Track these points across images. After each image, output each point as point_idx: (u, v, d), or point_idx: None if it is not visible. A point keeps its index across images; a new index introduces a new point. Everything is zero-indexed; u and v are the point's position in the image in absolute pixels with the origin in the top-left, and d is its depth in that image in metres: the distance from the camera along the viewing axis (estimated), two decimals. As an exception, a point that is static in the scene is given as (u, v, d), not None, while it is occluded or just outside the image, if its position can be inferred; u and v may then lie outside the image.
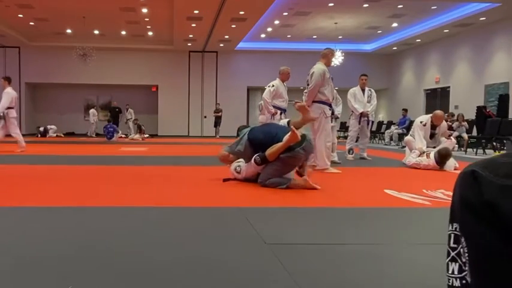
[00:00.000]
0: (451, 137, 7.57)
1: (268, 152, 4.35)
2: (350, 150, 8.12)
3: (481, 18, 13.59)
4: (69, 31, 17.37)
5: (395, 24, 15.80)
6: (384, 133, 15.79)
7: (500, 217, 0.60)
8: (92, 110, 19.95)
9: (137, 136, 17.16)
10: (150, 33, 17.78)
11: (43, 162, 7.05)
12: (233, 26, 15.43)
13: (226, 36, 17.34)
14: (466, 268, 0.66)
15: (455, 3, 13.11)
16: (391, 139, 14.69)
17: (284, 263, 2.00)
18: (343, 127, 17.27)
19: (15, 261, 2.02)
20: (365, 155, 8.17)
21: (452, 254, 0.69)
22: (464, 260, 0.66)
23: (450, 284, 0.69)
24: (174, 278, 1.83)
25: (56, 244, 2.31)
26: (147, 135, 17.94)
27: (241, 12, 13.66)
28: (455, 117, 12.52)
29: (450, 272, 0.69)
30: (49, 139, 16.28)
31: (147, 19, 15.49)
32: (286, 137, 4.36)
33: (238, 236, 2.50)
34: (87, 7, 13.93)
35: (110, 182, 4.79)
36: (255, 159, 4.41)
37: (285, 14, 14.51)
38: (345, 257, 2.14)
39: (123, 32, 17.58)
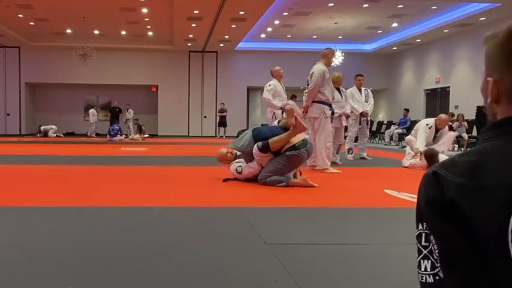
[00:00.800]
0: (452, 132, 7.56)
1: (272, 140, 4.37)
2: (349, 150, 8.12)
3: (481, 18, 13.58)
4: (69, 31, 17.36)
5: (395, 24, 15.80)
6: (384, 133, 15.79)
7: (460, 213, 0.63)
8: (91, 110, 19.93)
9: (137, 136, 17.16)
10: (150, 33, 17.77)
11: (43, 162, 7.05)
12: (233, 26, 15.43)
13: (226, 36, 17.33)
14: (438, 265, 0.68)
15: (455, 3, 13.10)
16: (391, 139, 14.69)
17: (284, 263, 2.00)
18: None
19: (15, 261, 2.02)
20: (365, 154, 8.17)
21: (424, 252, 0.71)
22: (435, 257, 0.68)
23: (423, 281, 0.71)
24: (173, 278, 1.84)
25: (55, 244, 2.31)
26: (147, 135, 17.94)
27: (241, 12, 13.65)
28: (455, 117, 12.52)
29: (423, 269, 0.71)
30: (49, 139, 16.28)
31: (147, 19, 15.48)
32: (291, 130, 4.42)
33: (238, 236, 2.50)
34: (87, 7, 13.92)
35: (110, 182, 4.79)
36: (257, 145, 4.41)
37: (285, 14, 14.50)
38: (345, 257, 2.14)
39: (123, 32, 17.57)
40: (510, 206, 0.60)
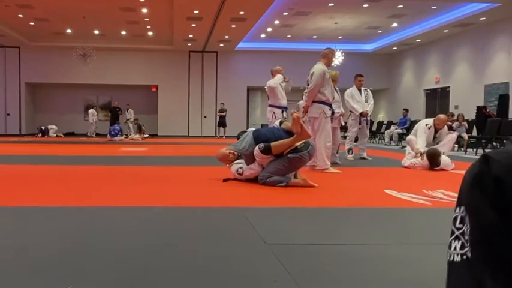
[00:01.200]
0: (452, 132, 7.56)
1: (274, 143, 4.37)
2: (349, 150, 8.13)
3: (481, 18, 13.59)
4: (69, 31, 17.37)
5: (395, 24, 15.80)
6: (384, 133, 15.79)
7: (504, 193, 0.65)
8: (91, 110, 19.92)
9: (137, 136, 17.17)
10: (150, 33, 17.77)
11: (43, 162, 7.05)
12: (233, 26, 15.43)
13: (226, 36, 17.34)
14: (468, 245, 0.70)
15: (455, 3, 13.10)
16: (391, 139, 14.69)
17: (284, 263, 2.00)
18: (343, 127, 17.23)
19: (15, 261, 2.02)
20: (365, 154, 8.18)
21: (457, 233, 0.73)
22: (467, 237, 0.71)
23: (451, 259, 0.73)
24: (173, 278, 1.84)
25: (55, 244, 2.31)
26: (147, 135, 17.95)
27: (241, 12, 13.66)
28: (455, 117, 12.52)
29: (452, 248, 0.74)
30: (49, 139, 16.28)
31: (147, 19, 15.48)
32: (295, 136, 4.41)
33: (238, 236, 2.50)
34: (87, 7, 13.92)
35: (110, 182, 4.79)
36: (259, 146, 4.41)
37: (285, 14, 14.51)
38: (345, 257, 2.14)
39: (123, 32, 17.57)
40: None
